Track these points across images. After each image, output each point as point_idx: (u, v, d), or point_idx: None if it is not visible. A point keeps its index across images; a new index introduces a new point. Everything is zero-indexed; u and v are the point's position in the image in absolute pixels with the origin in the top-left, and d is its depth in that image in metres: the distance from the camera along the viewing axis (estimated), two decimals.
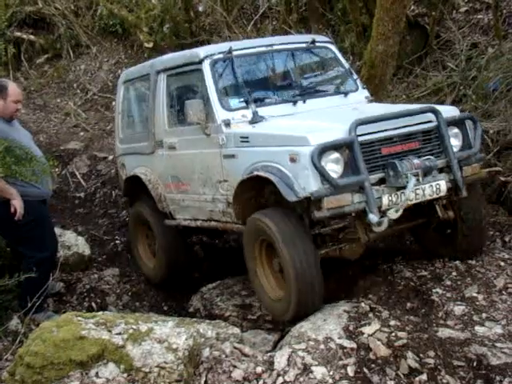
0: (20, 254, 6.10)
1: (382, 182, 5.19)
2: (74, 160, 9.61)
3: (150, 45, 11.11)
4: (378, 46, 7.51)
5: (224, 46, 6.28)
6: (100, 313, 5.02)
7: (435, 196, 5.33)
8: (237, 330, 5.18)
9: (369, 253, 6.23)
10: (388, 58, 7.58)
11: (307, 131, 5.23)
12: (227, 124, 5.83)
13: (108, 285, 7.14)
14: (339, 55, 6.74)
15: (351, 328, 5.14)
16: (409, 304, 5.55)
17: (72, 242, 7.46)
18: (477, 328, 5.09)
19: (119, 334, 4.56)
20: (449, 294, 5.55)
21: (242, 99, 5.99)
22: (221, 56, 6.08)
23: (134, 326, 4.66)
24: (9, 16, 11.76)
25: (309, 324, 5.21)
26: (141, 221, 7.38)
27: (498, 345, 4.85)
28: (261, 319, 6.38)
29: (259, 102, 5.99)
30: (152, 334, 4.61)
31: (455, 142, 5.54)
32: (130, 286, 7.21)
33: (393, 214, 5.19)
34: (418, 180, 5.17)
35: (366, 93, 6.55)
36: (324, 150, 5.00)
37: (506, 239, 5.80)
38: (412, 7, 10.39)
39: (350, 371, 4.68)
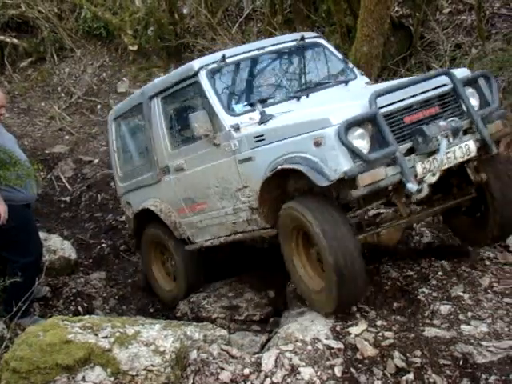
0: (5, 259, 6.07)
1: (410, 151, 5.06)
2: (59, 164, 9.58)
3: (135, 47, 11.09)
4: (362, 47, 7.57)
5: (217, 56, 6.20)
6: (86, 317, 5.00)
7: (466, 157, 5.22)
8: (224, 332, 5.19)
9: None
10: (372, 59, 7.64)
11: (326, 113, 5.08)
12: (237, 129, 5.69)
13: (94, 288, 7.12)
14: (331, 47, 6.68)
15: (338, 328, 5.16)
16: (395, 304, 5.57)
17: (58, 246, 7.44)
18: (463, 327, 5.12)
19: (106, 337, 4.55)
20: (435, 294, 5.57)
21: (246, 103, 5.94)
22: (215, 65, 6.01)
23: (121, 330, 4.65)
24: None
25: (296, 325, 5.22)
26: (156, 243, 7.20)
27: (484, 343, 4.88)
28: (248, 320, 6.40)
29: (263, 103, 5.89)
30: (139, 337, 4.61)
31: (473, 102, 5.40)
32: (116, 290, 7.19)
33: (430, 178, 5.09)
34: (448, 141, 5.08)
35: (365, 79, 6.49)
36: (349, 126, 4.84)
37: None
38: (396, 8, 10.46)
39: (338, 371, 4.70)
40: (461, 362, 4.76)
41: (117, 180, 7.55)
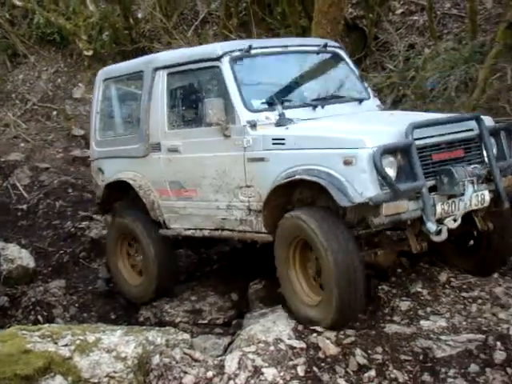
0: None
1: (431, 190, 4.91)
2: (15, 172, 9.44)
3: (90, 53, 10.98)
4: None
5: (243, 43, 5.95)
6: (46, 325, 4.96)
7: (479, 206, 5.10)
8: (186, 336, 5.17)
9: None
10: None
11: (361, 133, 4.97)
12: (253, 125, 5.47)
13: (54, 297, 7.02)
14: (350, 62, 6.55)
15: (300, 328, 5.18)
16: None
17: (15, 254, 7.33)
18: (422, 322, 5.19)
19: (66, 345, 4.51)
20: (394, 291, 5.65)
21: (264, 100, 5.74)
22: (239, 54, 5.75)
23: (81, 337, 4.62)
24: None
25: (258, 326, 5.23)
26: (123, 233, 6.89)
27: (443, 337, 4.96)
28: (211, 324, 6.39)
29: (273, 105, 5.67)
30: (100, 343, 4.58)
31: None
32: (77, 297, 7.10)
33: (450, 223, 4.95)
34: (473, 188, 4.98)
35: (377, 101, 6.40)
36: (385, 151, 4.72)
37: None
38: (350, 10, 10.56)
39: (300, 371, 4.72)
40: (421, 357, 4.83)
41: (92, 143, 7.20)
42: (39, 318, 6.67)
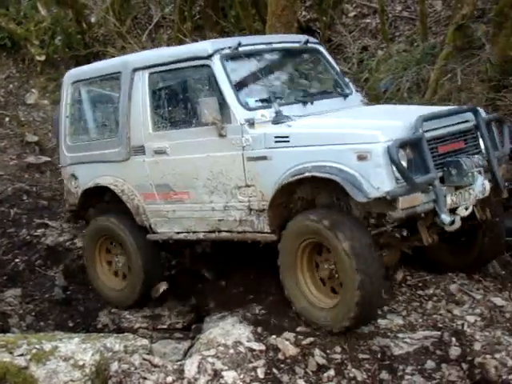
0: None
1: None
2: None
3: (43, 57, 10.82)
4: None
5: (232, 41, 5.83)
6: (0, 335, 4.88)
7: (481, 196, 5.13)
8: (145, 342, 5.11)
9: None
10: None
11: (373, 128, 4.93)
12: (251, 124, 5.36)
13: (10, 306, 6.91)
14: (330, 58, 6.53)
15: (259, 330, 5.20)
16: None
17: None
18: (379, 321, 5.24)
19: (22, 355, 4.45)
20: None
21: (257, 98, 5.62)
22: (229, 51, 5.62)
23: (38, 346, 4.56)
24: None
25: (218, 329, 5.21)
26: (103, 238, 6.65)
27: (400, 335, 5.02)
28: (171, 328, 6.34)
29: (268, 102, 5.57)
30: (57, 352, 4.53)
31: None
32: (33, 306, 6.99)
33: (463, 212, 5.03)
34: (482, 178, 5.03)
35: (360, 96, 6.43)
36: (401, 145, 4.71)
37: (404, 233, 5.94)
38: (303, 13, 10.65)
39: (260, 373, 4.72)
40: (379, 355, 4.88)
41: (63, 148, 6.84)
42: None
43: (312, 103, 5.75)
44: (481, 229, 5.54)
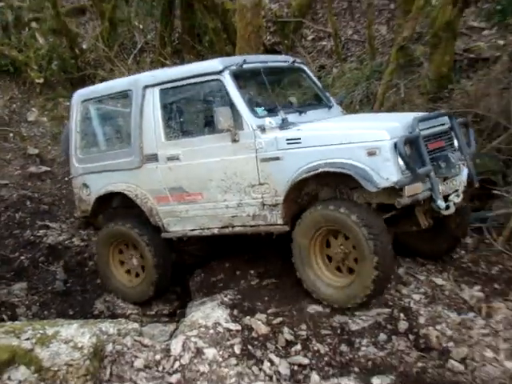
0: None
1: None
2: None
3: (41, 80, 10.67)
4: None
5: (237, 59, 5.77)
6: (9, 323, 4.83)
7: (462, 186, 5.30)
8: (136, 325, 5.10)
9: (251, 245, 6.32)
10: None
11: (379, 128, 4.97)
12: (263, 129, 5.34)
13: (17, 298, 6.81)
14: (312, 75, 6.56)
15: (235, 313, 5.21)
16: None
17: None
18: None
19: (28, 339, 4.42)
20: None
21: (263, 108, 5.58)
22: (235, 68, 5.56)
23: (41, 331, 4.53)
24: None
25: (199, 313, 5.22)
26: (116, 240, 6.43)
27: (356, 313, 5.05)
28: (159, 314, 6.34)
29: (272, 111, 5.56)
30: (58, 336, 4.50)
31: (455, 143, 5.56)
32: (37, 297, 6.90)
33: (455, 198, 5.13)
34: (467, 169, 5.27)
35: (340, 108, 6.40)
36: (406, 142, 4.80)
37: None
38: (268, 37, 10.63)
39: (237, 349, 4.75)
40: (339, 331, 4.92)
41: (73, 161, 6.61)
42: (4, 317, 6.44)
43: (305, 113, 5.79)
44: (453, 215, 5.49)
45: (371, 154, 4.83)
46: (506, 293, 5.42)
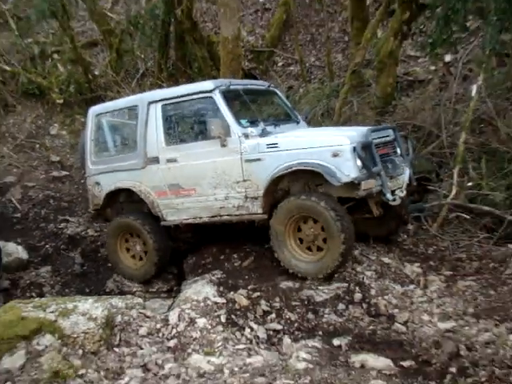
0: None
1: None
2: (10, 190, 9.00)
3: (61, 101, 10.58)
4: None
5: (225, 81, 5.80)
6: (37, 299, 4.79)
7: (405, 184, 5.40)
8: (140, 300, 5.09)
9: (234, 234, 6.29)
10: None
11: (341, 135, 5.12)
12: (247, 136, 5.40)
13: (43, 279, 6.74)
14: (283, 97, 6.68)
15: (221, 289, 5.20)
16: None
17: (13, 250, 6.98)
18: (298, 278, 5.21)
19: (52, 312, 4.40)
20: None
21: (246, 120, 5.64)
22: (224, 88, 5.60)
23: (63, 305, 4.50)
24: None
25: (192, 290, 5.20)
26: (123, 231, 6.36)
27: (320, 287, 5.07)
28: (159, 291, 6.29)
29: (254, 123, 5.61)
30: (77, 309, 4.47)
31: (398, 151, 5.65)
32: (60, 278, 6.83)
33: (400, 193, 5.25)
34: (409, 170, 5.44)
35: (305, 124, 6.45)
36: (363, 146, 4.95)
37: None
38: (246, 63, 10.61)
39: (223, 319, 4.75)
40: (306, 302, 4.93)
41: (88, 163, 6.57)
42: (33, 294, 6.37)
43: (279, 126, 5.85)
44: (398, 206, 5.56)
45: (335, 155, 4.96)
46: (440, 268, 5.50)
